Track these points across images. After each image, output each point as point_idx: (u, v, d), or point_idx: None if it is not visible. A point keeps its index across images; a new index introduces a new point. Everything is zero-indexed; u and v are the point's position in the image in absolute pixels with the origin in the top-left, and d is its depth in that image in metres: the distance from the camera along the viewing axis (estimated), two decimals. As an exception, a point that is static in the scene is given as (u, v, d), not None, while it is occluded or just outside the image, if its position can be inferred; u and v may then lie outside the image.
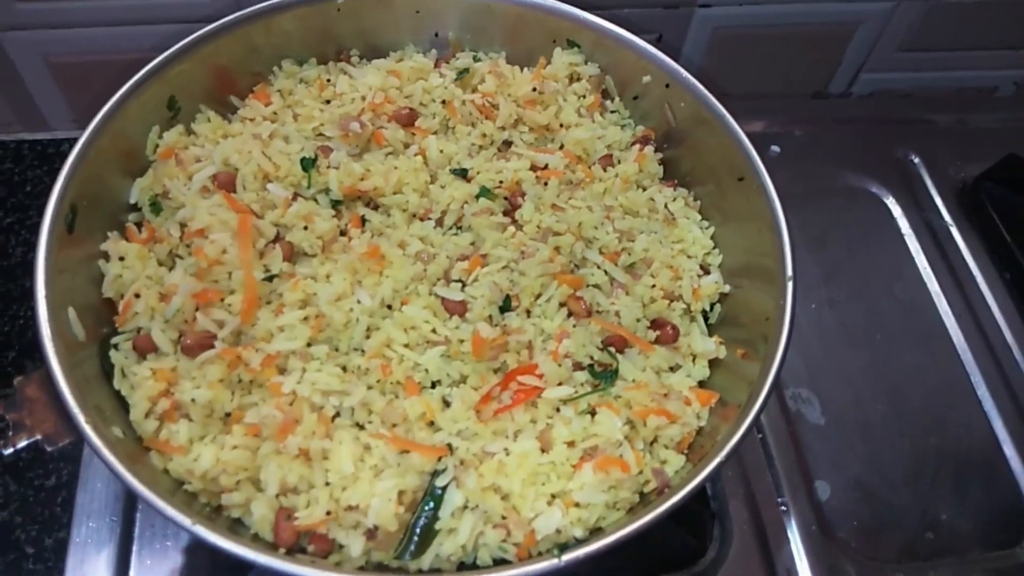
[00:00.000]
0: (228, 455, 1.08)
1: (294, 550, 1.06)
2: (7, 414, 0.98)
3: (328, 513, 1.06)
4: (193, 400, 1.10)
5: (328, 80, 1.47)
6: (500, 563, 1.08)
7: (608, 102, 1.53)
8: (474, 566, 1.09)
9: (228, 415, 1.13)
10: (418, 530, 1.06)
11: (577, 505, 1.09)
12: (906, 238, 1.87)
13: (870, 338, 1.71)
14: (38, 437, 0.98)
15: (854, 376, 1.64)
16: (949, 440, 1.57)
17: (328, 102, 1.45)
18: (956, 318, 1.72)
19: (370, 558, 1.07)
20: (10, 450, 0.96)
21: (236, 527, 1.09)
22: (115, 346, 1.18)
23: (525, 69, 1.54)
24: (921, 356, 1.68)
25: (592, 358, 1.19)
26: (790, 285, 1.19)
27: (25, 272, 1.69)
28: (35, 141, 1.87)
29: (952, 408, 1.60)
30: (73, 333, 1.11)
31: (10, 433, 0.98)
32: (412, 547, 1.05)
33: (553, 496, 1.09)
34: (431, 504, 1.07)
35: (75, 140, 1.22)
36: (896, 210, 1.92)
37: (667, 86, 1.44)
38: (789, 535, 1.42)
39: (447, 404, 1.17)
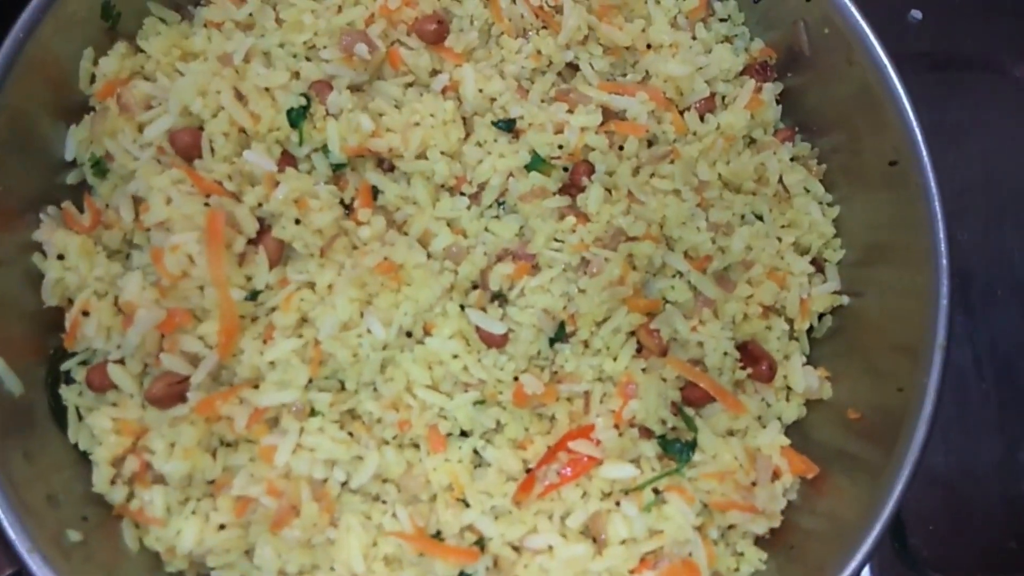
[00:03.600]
0: (215, 538, 0.89)
1: (298, 640, 0.92)
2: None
3: (336, 610, 0.90)
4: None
5: (324, -37, 1.04)
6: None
7: (716, 3, 1.09)
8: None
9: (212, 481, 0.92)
10: (441, 634, 0.91)
11: (631, 610, 0.92)
12: (1060, 155, 1.47)
13: (990, 293, 1.41)
14: (-30, 568, 0.79)
15: (963, 345, 1.37)
16: (1060, 433, 1.34)
17: (324, -3, 1.04)
18: (1104, 278, 1.40)
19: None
20: (-63, 588, 0.78)
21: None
22: (67, 376, 0.95)
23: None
24: (1049, 322, 1.39)
25: (664, 422, 0.94)
26: (939, 355, 0.89)
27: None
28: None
29: (1072, 394, 1.36)
30: (8, 390, 0.88)
31: (-65, 564, 0.79)
32: (434, 655, 0.90)
33: (603, 599, 0.92)
34: (457, 609, 0.90)
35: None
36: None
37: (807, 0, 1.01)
38: (856, 540, 1.27)
39: (479, 457, 0.95)
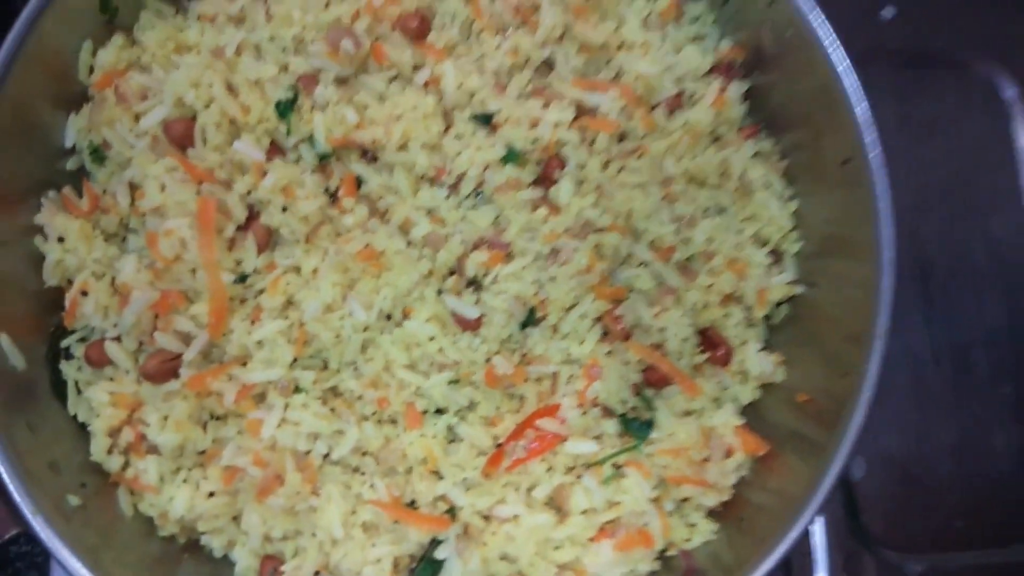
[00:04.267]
0: (205, 504, 0.96)
1: (282, 599, 0.99)
2: (-58, 500, 0.85)
3: (317, 572, 0.97)
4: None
5: (312, -41, 1.08)
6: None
7: (687, 4, 1.14)
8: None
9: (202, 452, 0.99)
10: (413, 595, 0.98)
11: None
12: (1019, 154, 1.53)
13: (948, 283, 1.47)
14: (-20, 528, 0.86)
15: (921, 330, 1.44)
16: (1008, 419, 1.41)
17: (313, -9, 1.09)
18: (1057, 271, 1.46)
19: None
20: (-52, 545, 0.85)
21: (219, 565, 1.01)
22: (67, 352, 1.01)
23: (580, -53, 1.13)
24: (1003, 311, 1.46)
25: (625, 402, 1.01)
26: (880, 343, 0.96)
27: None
28: None
29: (1021, 382, 1.43)
30: (11, 365, 0.94)
31: (-52, 523, 0.86)
32: (406, 614, 0.98)
33: (565, 564, 0.99)
34: (428, 572, 0.97)
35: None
36: (1016, 108, 1.55)
37: (771, 3, 1.06)
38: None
39: (452, 432, 1.02)
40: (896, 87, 1.55)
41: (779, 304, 1.13)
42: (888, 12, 1.55)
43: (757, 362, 1.08)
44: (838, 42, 1.01)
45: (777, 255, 1.13)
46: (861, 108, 1.00)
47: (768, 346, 1.12)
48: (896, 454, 1.40)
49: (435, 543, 0.98)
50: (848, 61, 1.01)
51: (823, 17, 1.02)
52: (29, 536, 0.86)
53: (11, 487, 0.86)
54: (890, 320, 0.96)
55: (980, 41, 1.57)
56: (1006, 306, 1.47)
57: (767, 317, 1.13)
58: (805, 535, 1.20)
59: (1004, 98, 1.56)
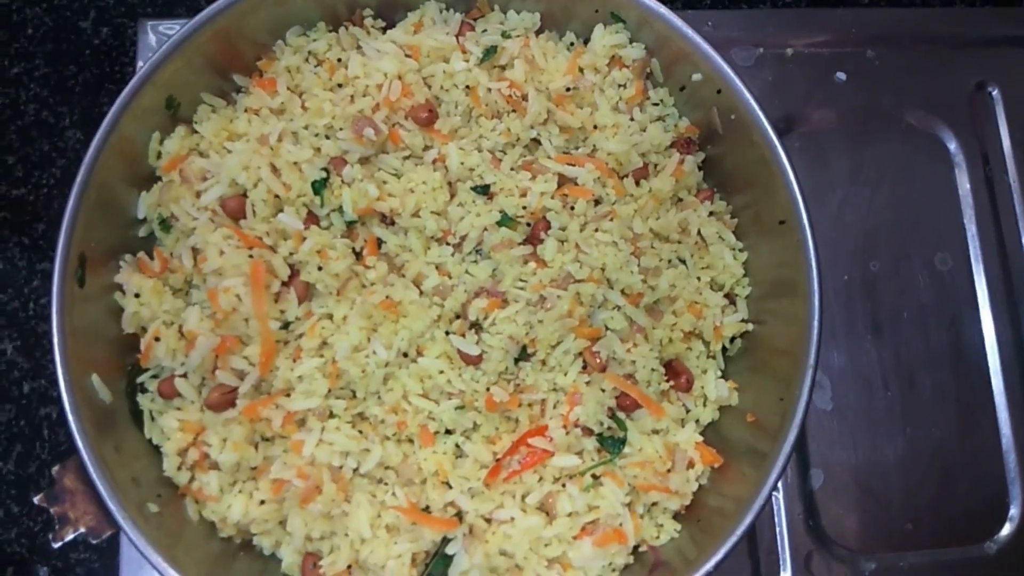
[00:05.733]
0: (257, 511, 1.17)
1: (321, 591, 1.20)
2: (51, 507, 1.07)
3: (349, 566, 1.17)
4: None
5: (339, 60, 1.32)
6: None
7: (651, 91, 1.37)
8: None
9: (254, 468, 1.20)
10: (429, 584, 1.18)
11: (575, 568, 1.19)
12: (962, 198, 1.74)
13: (897, 316, 1.67)
14: (82, 530, 1.07)
15: (872, 359, 1.64)
16: (951, 434, 1.60)
17: (340, 85, 1.32)
18: (991, 304, 1.66)
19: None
20: (59, 544, 1.06)
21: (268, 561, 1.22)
22: (142, 386, 1.22)
23: (560, 44, 1.36)
24: (945, 341, 1.65)
25: (602, 423, 1.22)
26: (809, 374, 1.16)
27: (41, 134, 1.60)
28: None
29: (963, 402, 1.62)
30: (100, 399, 1.15)
31: (56, 526, 1.07)
32: (423, 599, 1.18)
33: (553, 559, 1.19)
34: (441, 565, 1.18)
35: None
36: (959, 158, 1.76)
37: (719, 92, 1.28)
38: (776, 520, 1.53)
39: (459, 449, 1.22)
40: (850, 138, 1.76)
41: (733, 339, 1.33)
42: (840, 76, 1.78)
43: (715, 388, 1.28)
44: (770, 129, 1.22)
45: (730, 298, 1.33)
46: (792, 179, 1.21)
47: (725, 374, 1.32)
48: (850, 466, 1.58)
49: (446, 541, 1.18)
50: (779, 143, 1.22)
51: (757, 107, 1.23)
52: (114, 535, 1.06)
53: (106, 497, 1.06)
54: (817, 353, 1.16)
55: (923, 100, 1.79)
56: (947, 333, 1.66)
57: (724, 350, 1.33)
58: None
59: (948, 148, 1.77)
